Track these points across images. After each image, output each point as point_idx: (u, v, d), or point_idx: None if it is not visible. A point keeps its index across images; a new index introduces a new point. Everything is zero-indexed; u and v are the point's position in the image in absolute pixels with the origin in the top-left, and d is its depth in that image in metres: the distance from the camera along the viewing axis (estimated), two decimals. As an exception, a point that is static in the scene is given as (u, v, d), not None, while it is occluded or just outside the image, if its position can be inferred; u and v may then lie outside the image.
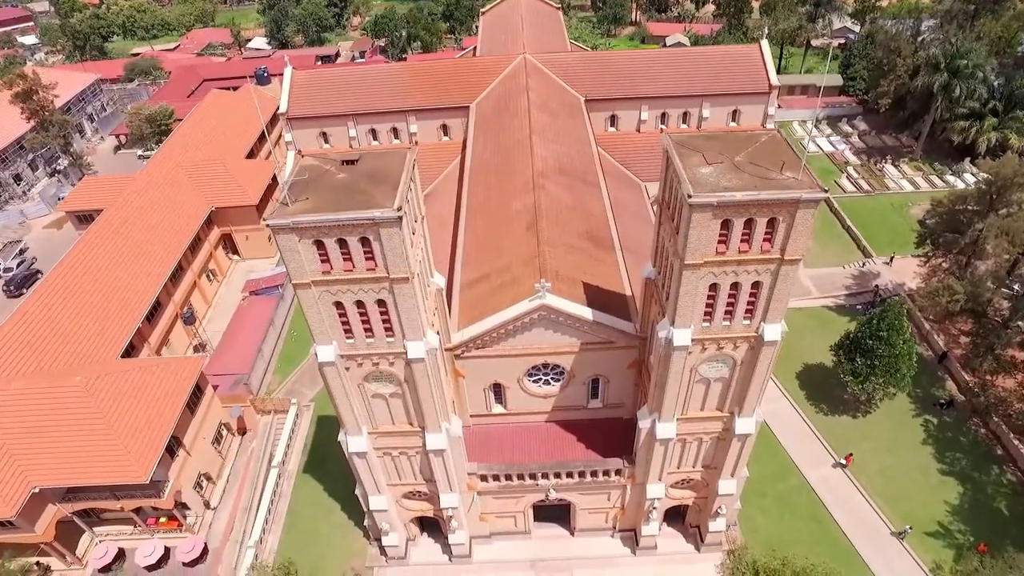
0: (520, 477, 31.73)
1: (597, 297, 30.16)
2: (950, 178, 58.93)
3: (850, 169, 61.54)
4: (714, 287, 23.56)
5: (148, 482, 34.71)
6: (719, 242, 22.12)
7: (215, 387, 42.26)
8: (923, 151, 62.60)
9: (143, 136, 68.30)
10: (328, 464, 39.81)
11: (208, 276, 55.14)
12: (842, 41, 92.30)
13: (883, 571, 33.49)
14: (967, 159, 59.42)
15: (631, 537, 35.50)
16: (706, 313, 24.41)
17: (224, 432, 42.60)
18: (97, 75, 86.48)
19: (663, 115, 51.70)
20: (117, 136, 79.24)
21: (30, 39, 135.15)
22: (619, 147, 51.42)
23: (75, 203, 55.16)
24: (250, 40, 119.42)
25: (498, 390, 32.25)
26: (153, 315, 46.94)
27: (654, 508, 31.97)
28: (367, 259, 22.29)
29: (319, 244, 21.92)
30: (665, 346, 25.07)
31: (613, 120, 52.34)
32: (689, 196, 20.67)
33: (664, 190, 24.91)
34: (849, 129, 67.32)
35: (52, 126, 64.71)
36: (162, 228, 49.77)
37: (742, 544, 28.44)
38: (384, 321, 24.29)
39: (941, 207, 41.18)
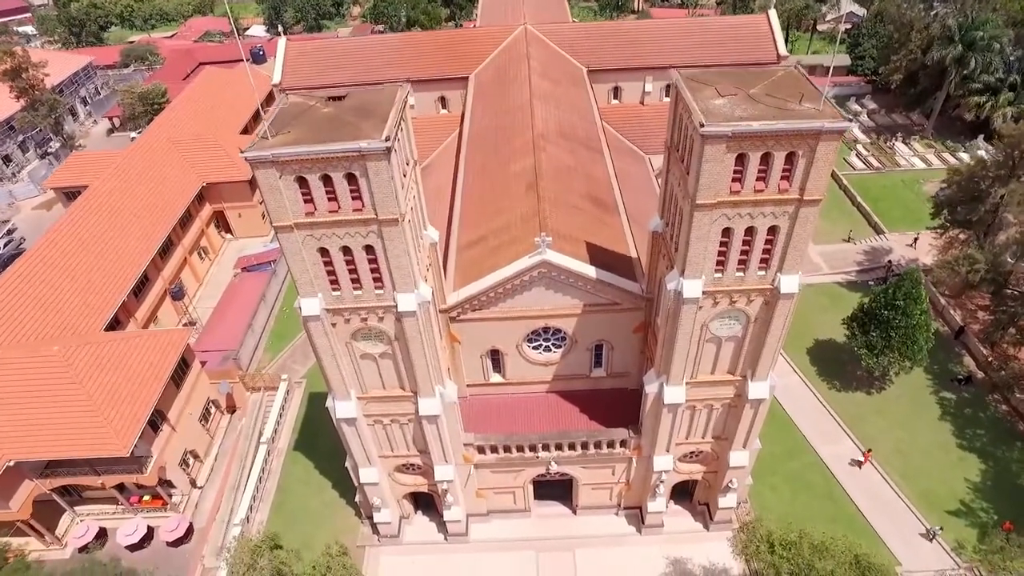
0: (519, 449, 30.02)
1: (601, 257, 28.52)
2: (963, 155, 57.06)
3: (859, 147, 59.86)
4: (727, 233, 21.91)
5: (129, 456, 33.11)
6: (733, 180, 20.47)
7: (203, 363, 40.69)
8: (934, 129, 60.88)
9: (135, 115, 66.79)
10: (320, 441, 38.17)
11: (200, 254, 53.59)
12: (848, 26, 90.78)
13: (902, 550, 31.74)
14: (980, 136, 57.66)
15: (636, 515, 33.77)
16: (718, 263, 22.74)
17: (212, 409, 40.97)
18: (90, 58, 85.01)
19: (668, 87, 50.05)
20: (110, 118, 77.77)
21: (28, 29, 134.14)
22: (623, 119, 49.80)
23: (62, 180, 53.58)
24: (248, 28, 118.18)
25: (496, 357, 30.60)
26: (141, 290, 45.43)
27: (661, 482, 30.26)
28: (353, 198, 20.66)
29: (302, 181, 20.29)
30: (674, 300, 23.41)
31: (616, 92, 50.77)
32: (702, 125, 19.05)
33: (672, 130, 23.27)
34: (858, 108, 65.64)
35: (42, 105, 63.19)
36: (151, 202, 48.20)
37: (755, 516, 26.76)
38: (373, 271, 22.66)
39: (958, 175, 39.47)
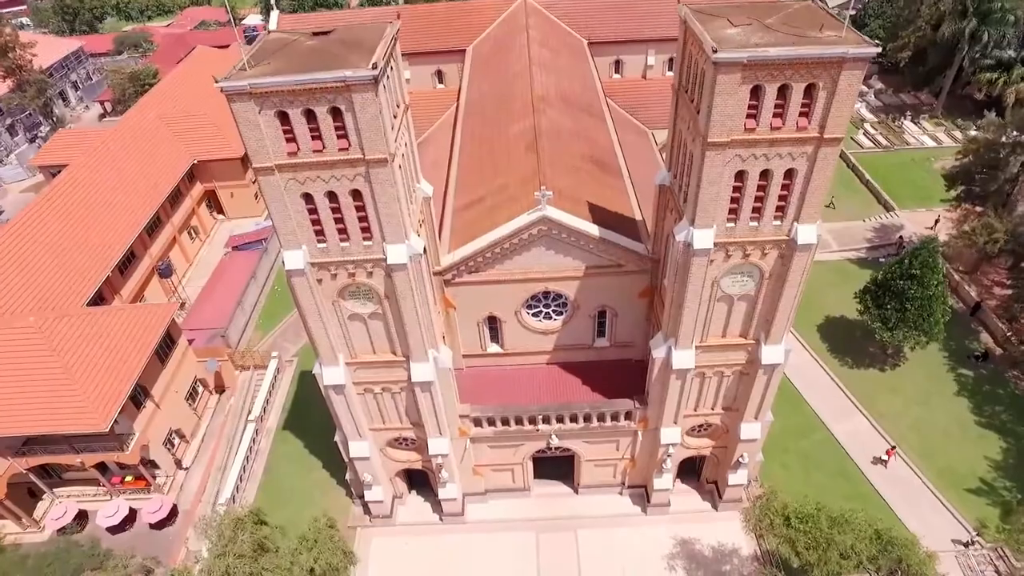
0: (518, 421, 28.44)
1: (604, 217, 27.01)
2: (974, 134, 55.53)
3: (866, 126, 58.41)
4: (740, 177, 20.43)
5: (110, 433, 31.62)
6: (748, 116, 19.00)
7: (190, 341, 39.16)
8: (944, 108, 59.42)
9: (126, 97, 65.27)
10: (310, 421, 36.63)
11: (190, 234, 52.08)
12: (854, 13, 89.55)
13: (921, 529, 29.89)
14: (992, 113, 56.08)
15: (641, 495, 32.18)
16: (731, 211, 21.27)
17: (200, 389, 39.43)
18: (81, 42, 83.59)
19: (671, 60, 48.63)
20: (102, 103, 76.30)
21: (23, 20, 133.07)
22: (625, 93, 48.21)
23: (49, 157, 52.04)
24: (244, 18, 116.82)
25: (494, 326, 29.09)
26: (127, 267, 43.92)
27: (668, 456, 28.68)
28: (339, 136, 19.17)
29: (283, 117, 18.79)
30: (683, 252, 21.90)
31: (618, 66, 49.27)
32: (714, 51, 17.56)
33: (681, 69, 21.80)
34: (864, 88, 64.10)
35: (30, 86, 61.73)
36: (138, 179, 46.66)
37: (769, 489, 25.24)
38: (361, 219, 21.16)
39: (975, 143, 37.94)
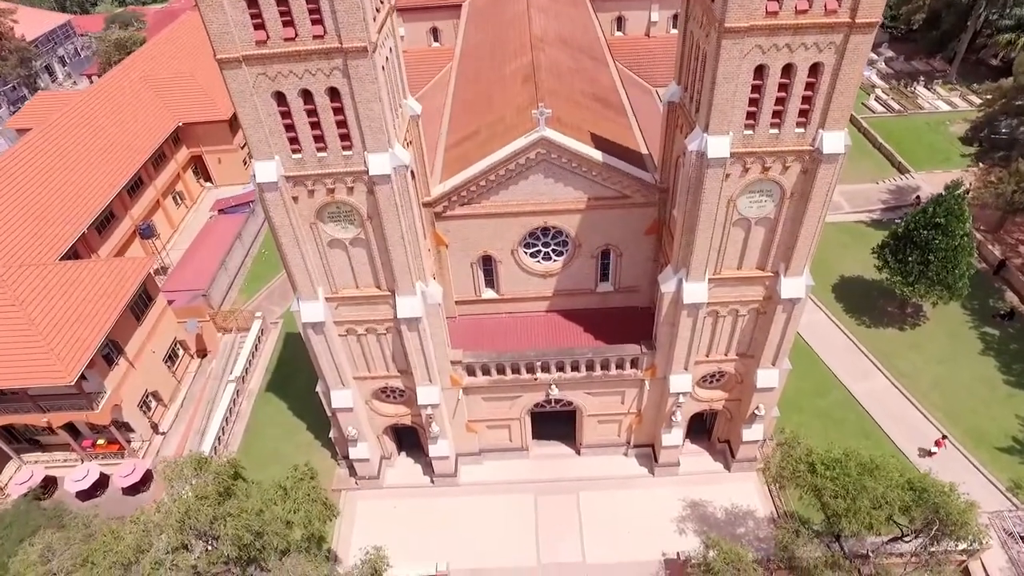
0: (515, 370, 26.28)
1: (608, 146, 24.89)
2: (1001, 82, 53.06)
3: (878, 91, 56.32)
4: (760, 74, 18.33)
5: (78, 389, 29.66)
6: (771, -5, 16.96)
7: (170, 302, 37.04)
8: (958, 75, 57.36)
9: (112, 65, 63.26)
10: (295, 383, 34.48)
11: (175, 199, 50.00)
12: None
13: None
14: (1009, 80, 53.99)
15: (648, 455, 30.05)
16: (748, 116, 19.16)
17: (180, 352, 37.32)
18: (69, 16, 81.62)
19: (675, 16, 46.61)
20: (89, 77, 74.12)
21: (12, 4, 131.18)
22: (627, 52, 46.10)
23: (27, 119, 49.91)
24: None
25: (488, 267, 26.95)
26: (105, 227, 41.85)
27: (678, 407, 26.52)
28: (313, 21, 17.06)
29: (249, -3, 16.78)
30: (696, 164, 19.80)
31: (620, 24, 47.29)
32: (735, -89, 15.52)
33: (695, -43, 19.77)
34: (874, 56, 62.11)
35: (11, 55, 59.68)
36: (118, 139, 44.49)
37: (791, 434, 23.06)
38: (339, 124, 19.05)
39: (1001, 90, 35.88)
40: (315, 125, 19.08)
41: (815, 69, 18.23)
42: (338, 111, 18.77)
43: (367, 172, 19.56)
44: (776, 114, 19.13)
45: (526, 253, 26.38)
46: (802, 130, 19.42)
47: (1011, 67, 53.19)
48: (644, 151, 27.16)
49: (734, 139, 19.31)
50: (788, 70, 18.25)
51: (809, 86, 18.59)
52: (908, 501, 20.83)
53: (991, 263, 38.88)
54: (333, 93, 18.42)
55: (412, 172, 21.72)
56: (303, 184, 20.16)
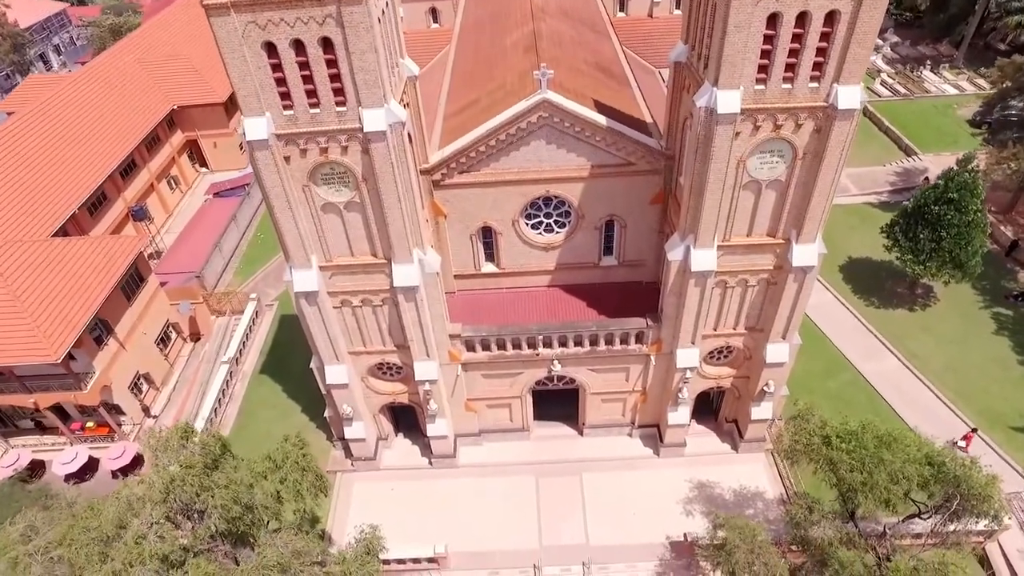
0: (516, 345, 25.41)
1: (612, 113, 24.04)
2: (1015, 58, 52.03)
3: (883, 75, 55.49)
4: (773, 23, 17.48)
5: (65, 368, 28.80)
6: (786, -65, 16.14)
7: (163, 284, 36.19)
8: (965, 59, 56.51)
9: (105, 48, 62.42)
10: (290, 365, 33.58)
11: (170, 183, 49.14)
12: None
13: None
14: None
15: (653, 436, 29.20)
16: (760, 68, 18.31)
17: (173, 335, 36.44)
18: (64, 5, 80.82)
19: (679, -5, 45.87)
20: (84, 64, 73.48)
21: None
22: (630, 33, 45.24)
23: (18, 102, 49.08)
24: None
25: (488, 239, 26.09)
26: (98, 209, 41.01)
27: (685, 383, 25.65)
28: (302, -37, 16.32)
29: (235, -65, 15.95)
30: (705, 121, 18.95)
31: (622, 4, 46.51)
32: None
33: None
34: (879, 41, 61.18)
35: (4, 40, 58.82)
36: (111, 121, 43.63)
37: (805, 406, 22.18)
38: (333, 78, 18.20)
39: (1013, 66, 35.01)
40: (307, 79, 18.21)
41: (831, 17, 17.37)
42: (331, 63, 17.92)
43: (361, 129, 18.70)
44: (789, 67, 18.27)
45: (527, 224, 25.52)
46: (816, 84, 18.57)
47: (1020, 50, 52.53)
48: (649, 119, 26.37)
49: (744, 94, 18.45)
50: (802, 18, 17.40)
51: (824, 36, 17.77)
52: (927, 476, 19.95)
53: (1003, 244, 38.01)
54: (326, 44, 17.55)
55: (409, 135, 20.89)
56: (295, 143, 19.29)
